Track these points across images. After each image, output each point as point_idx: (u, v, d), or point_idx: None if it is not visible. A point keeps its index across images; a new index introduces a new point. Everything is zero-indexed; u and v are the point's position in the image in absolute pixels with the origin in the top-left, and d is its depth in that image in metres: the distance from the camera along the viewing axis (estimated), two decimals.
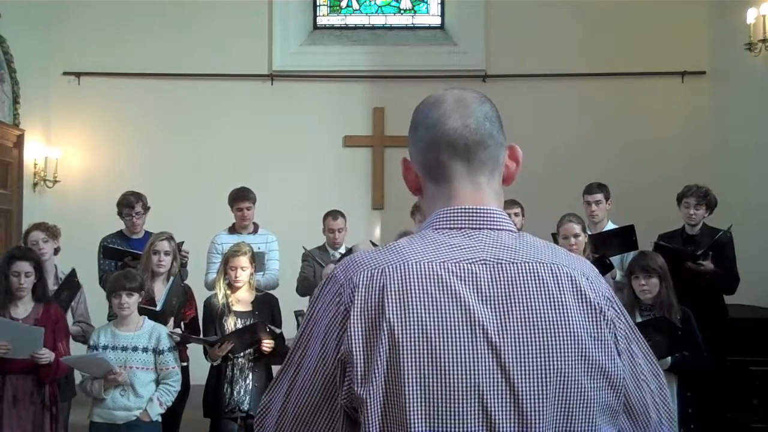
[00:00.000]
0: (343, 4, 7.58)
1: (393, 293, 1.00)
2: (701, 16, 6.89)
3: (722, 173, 6.15)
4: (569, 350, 1.01)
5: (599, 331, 1.05)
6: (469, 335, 0.99)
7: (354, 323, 1.00)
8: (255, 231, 4.98)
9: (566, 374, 1.01)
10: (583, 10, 6.92)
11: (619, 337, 1.07)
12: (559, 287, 1.04)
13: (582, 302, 1.05)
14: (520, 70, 6.98)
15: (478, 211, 1.10)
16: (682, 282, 3.94)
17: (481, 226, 1.09)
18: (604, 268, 4.06)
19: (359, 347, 0.99)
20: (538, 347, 1.00)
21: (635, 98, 6.96)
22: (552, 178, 6.53)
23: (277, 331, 3.99)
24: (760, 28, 5.54)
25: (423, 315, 0.99)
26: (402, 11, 7.55)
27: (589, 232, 4.46)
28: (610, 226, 4.67)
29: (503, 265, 1.04)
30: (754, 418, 4.73)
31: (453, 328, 0.99)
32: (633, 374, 1.10)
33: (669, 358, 3.53)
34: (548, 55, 6.96)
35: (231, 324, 3.97)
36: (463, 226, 1.09)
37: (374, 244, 5.43)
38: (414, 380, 0.97)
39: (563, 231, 4.14)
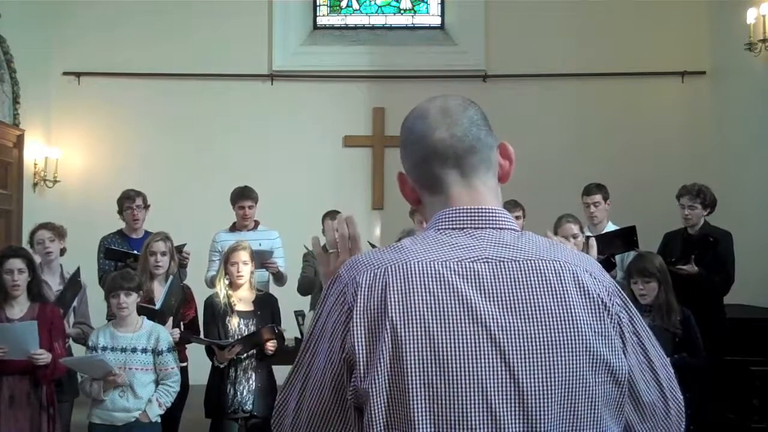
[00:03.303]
0: (343, 4, 7.58)
1: (396, 292, 1.01)
2: (701, 16, 6.88)
3: (722, 173, 6.14)
4: (573, 346, 1.02)
5: (603, 326, 1.05)
6: (473, 333, 0.99)
7: (357, 323, 1.01)
8: (255, 228, 5.01)
9: (571, 370, 1.01)
10: (583, 10, 6.92)
11: (624, 331, 1.08)
12: (562, 284, 1.04)
13: (585, 298, 1.05)
14: (520, 70, 6.98)
15: (480, 210, 1.11)
16: (679, 283, 3.94)
17: (484, 226, 1.10)
18: (608, 267, 4.05)
19: (362, 346, 1.00)
20: (542, 344, 1.01)
21: (635, 98, 6.96)
22: (552, 179, 6.53)
23: (283, 330, 3.99)
24: (760, 28, 5.54)
25: (426, 314, 1.00)
26: (402, 11, 7.54)
27: (589, 234, 4.44)
28: (610, 226, 4.66)
29: (506, 263, 1.05)
30: (754, 417, 4.71)
31: (456, 326, 0.99)
32: (641, 367, 1.10)
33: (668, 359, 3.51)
34: (548, 55, 6.95)
35: (234, 324, 3.95)
36: (465, 225, 1.10)
37: (372, 245, 5.42)
38: (417, 378, 0.98)
39: (561, 232, 4.13)
